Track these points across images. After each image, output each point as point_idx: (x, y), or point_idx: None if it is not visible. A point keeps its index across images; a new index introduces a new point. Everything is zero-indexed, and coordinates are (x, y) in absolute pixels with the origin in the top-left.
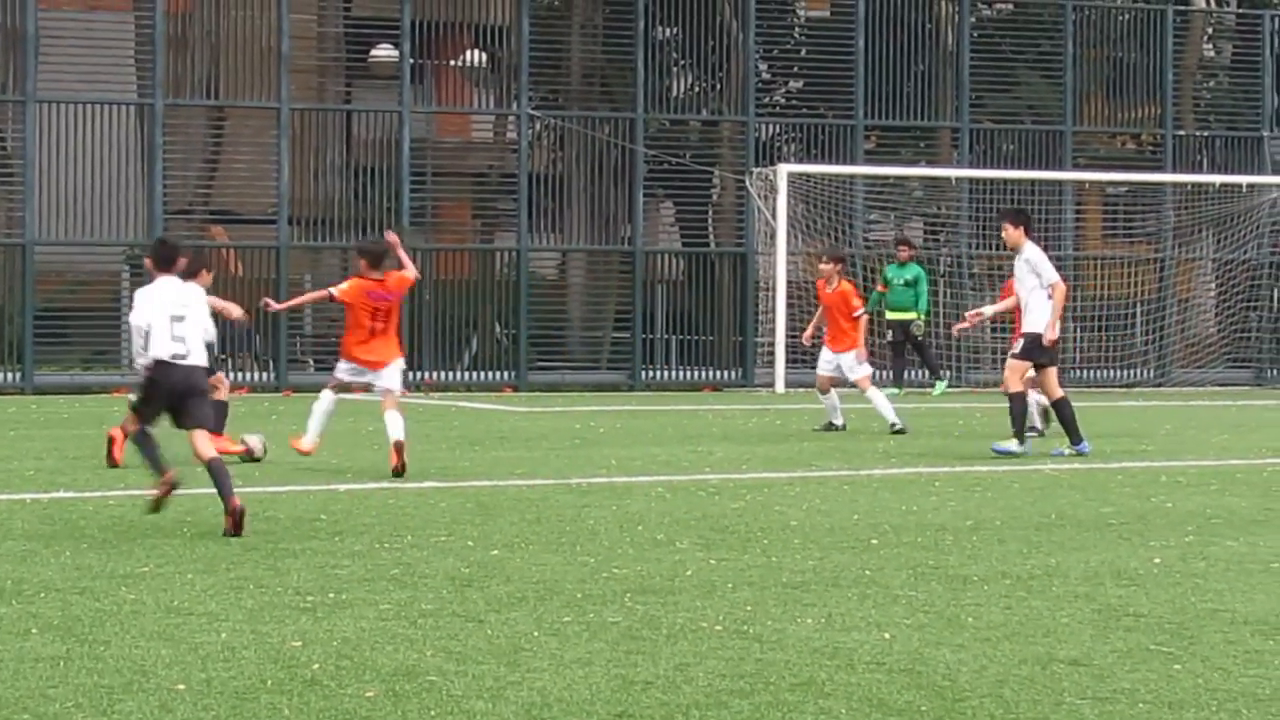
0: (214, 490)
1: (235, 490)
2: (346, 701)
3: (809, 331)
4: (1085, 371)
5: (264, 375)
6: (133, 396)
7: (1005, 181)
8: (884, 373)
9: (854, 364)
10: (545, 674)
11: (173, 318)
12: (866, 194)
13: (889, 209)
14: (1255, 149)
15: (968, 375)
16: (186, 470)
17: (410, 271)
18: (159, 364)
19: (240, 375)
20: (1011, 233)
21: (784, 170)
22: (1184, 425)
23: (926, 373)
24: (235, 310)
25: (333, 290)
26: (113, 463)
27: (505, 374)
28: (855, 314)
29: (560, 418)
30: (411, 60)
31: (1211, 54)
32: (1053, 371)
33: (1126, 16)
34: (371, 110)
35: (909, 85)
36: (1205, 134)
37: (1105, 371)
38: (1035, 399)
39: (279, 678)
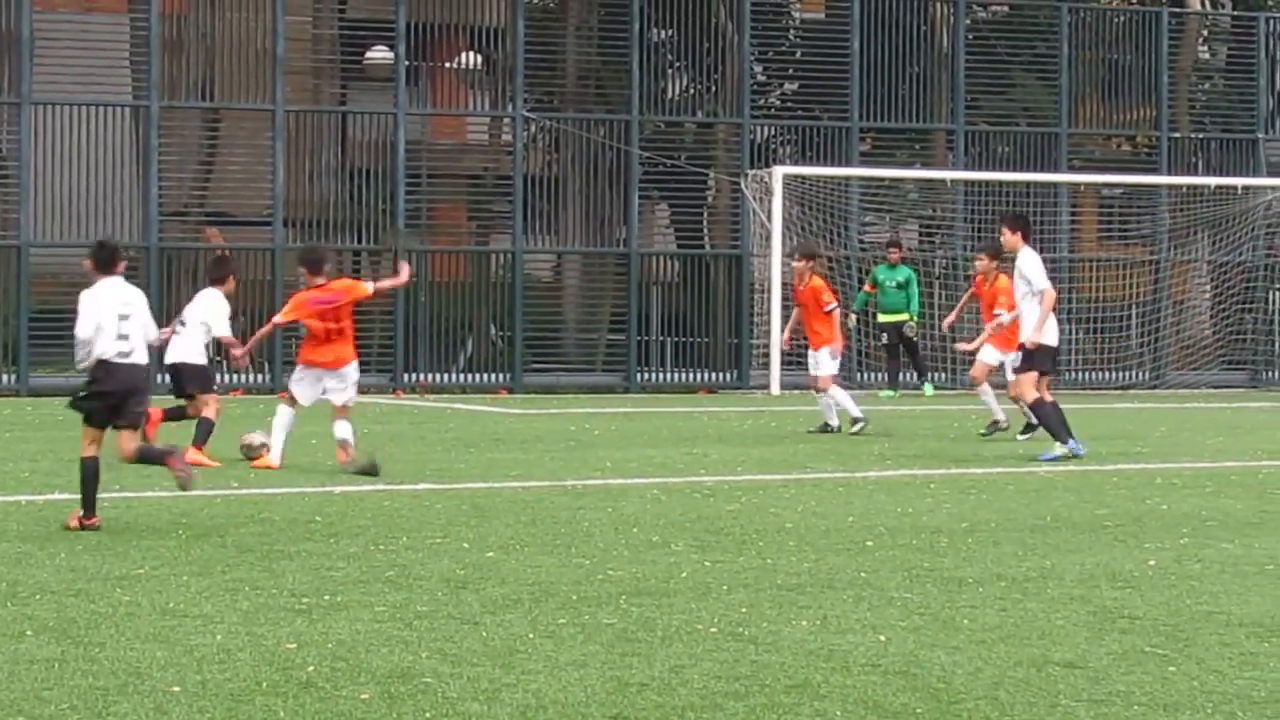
0: (205, 492)
1: (191, 491)
2: (341, 703)
3: (786, 335)
4: (1080, 374)
5: (259, 377)
6: (77, 399)
7: (1000, 184)
8: (879, 375)
9: (825, 359)
10: (540, 676)
11: (119, 316)
12: (862, 196)
13: (884, 211)
14: (1250, 151)
15: (962, 377)
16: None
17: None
18: (103, 364)
19: (234, 378)
20: (1009, 237)
21: (779, 172)
22: (1179, 427)
23: (914, 374)
24: (238, 350)
25: (276, 319)
26: (146, 439)
27: (500, 376)
28: (826, 309)
29: (555, 420)
30: (407, 62)
31: (1207, 56)
32: (1044, 381)
33: (1121, 19)
34: (367, 112)
35: (904, 87)
36: (1200, 136)
37: (1100, 374)
38: (991, 392)
39: (274, 680)
